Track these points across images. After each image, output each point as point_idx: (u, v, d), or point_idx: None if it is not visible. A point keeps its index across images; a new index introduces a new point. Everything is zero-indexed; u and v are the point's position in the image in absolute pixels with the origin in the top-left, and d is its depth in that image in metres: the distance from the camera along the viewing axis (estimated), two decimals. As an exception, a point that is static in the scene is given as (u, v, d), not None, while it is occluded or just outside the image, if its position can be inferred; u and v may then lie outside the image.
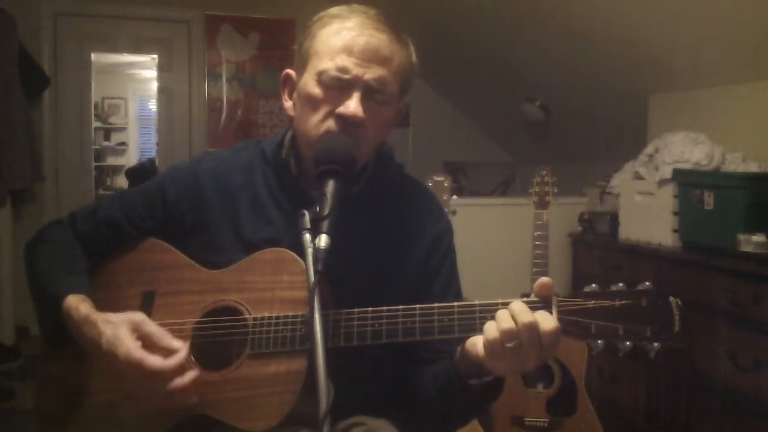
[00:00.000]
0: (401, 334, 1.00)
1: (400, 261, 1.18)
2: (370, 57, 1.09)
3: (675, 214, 2.62)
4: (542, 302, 0.94)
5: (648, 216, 2.75)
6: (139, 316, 1.08)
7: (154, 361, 1.01)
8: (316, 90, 1.11)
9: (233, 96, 4.87)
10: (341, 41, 1.10)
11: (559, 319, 0.92)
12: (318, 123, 1.11)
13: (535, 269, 2.33)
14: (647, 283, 0.92)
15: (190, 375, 1.02)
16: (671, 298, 0.91)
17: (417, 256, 1.19)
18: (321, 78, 1.10)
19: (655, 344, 0.90)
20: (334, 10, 1.15)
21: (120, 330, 1.04)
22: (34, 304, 1.19)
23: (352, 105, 1.08)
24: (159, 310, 1.15)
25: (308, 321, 0.97)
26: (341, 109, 1.09)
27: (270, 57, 4.88)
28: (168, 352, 1.04)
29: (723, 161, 2.61)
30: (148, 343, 1.05)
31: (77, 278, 1.17)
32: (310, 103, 1.12)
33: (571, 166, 3.95)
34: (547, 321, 0.91)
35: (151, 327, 1.06)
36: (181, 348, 1.04)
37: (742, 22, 2.53)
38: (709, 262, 2.33)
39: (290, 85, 1.20)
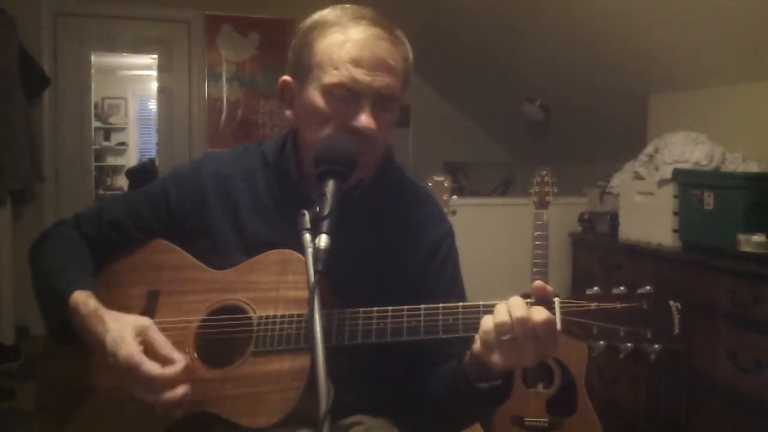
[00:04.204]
0: (406, 332, 1.01)
1: (401, 264, 1.18)
2: (378, 66, 1.08)
3: (675, 214, 2.62)
4: (545, 303, 0.95)
5: (648, 216, 2.75)
6: (146, 321, 1.08)
7: (151, 368, 1.02)
8: (322, 104, 1.09)
9: (233, 96, 4.87)
10: (347, 53, 1.08)
11: (562, 320, 0.93)
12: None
13: (535, 269, 2.33)
14: (648, 287, 0.94)
15: (181, 389, 1.02)
16: (671, 302, 0.93)
17: (417, 259, 1.19)
18: (328, 90, 1.09)
19: (656, 346, 0.92)
20: (329, 15, 1.12)
21: (125, 331, 1.05)
22: (39, 302, 1.18)
23: (364, 118, 1.08)
24: (163, 309, 1.15)
25: (308, 320, 0.97)
26: (354, 123, 1.08)
27: (270, 57, 4.87)
28: (167, 361, 1.04)
29: (723, 161, 2.61)
30: (151, 349, 1.05)
31: (84, 276, 1.17)
32: (318, 117, 1.10)
33: (571, 166, 3.95)
34: (539, 313, 0.92)
35: (156, 335, 1.06)
36: (179, 360, 1.04)
37: (742, 22, 2.53)
38: (709, 262, 2.33)
39: (289, 93, 1.18)
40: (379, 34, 1.10)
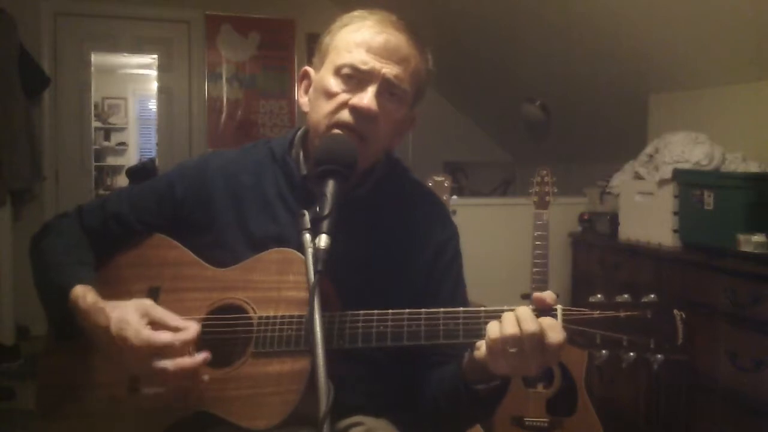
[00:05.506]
0: (406, 337, 1.00)
1: (406, 265, 1.18)
2: (389, 54, 1.12)
3: (675, 214, 2.61)
4: (548, 311, 0.94)
5: (648, 216, 2.75)
6: (147, 302, 1.08)
7: (163, 335, 1.02)
8: (332, 83, 1.13)
9: (233, 96, 4.87)
10: (360, 37, 1.13)
11: (565, 329, 0.93)
12: (330, 114, 1.12)
13: (535, 269, 2.32)
14: (652, 296, 0.94)
15: (202, 355, 1.02)
16: (675, 311, 0.92)
17: (422, 261, 1.19)
18: (338, 71, 1.12)
19: (659, 356, 0.91)
20: (356, 12, 1.17)
21: (128, 313, 1.04)
22: (40, 297, 1.18)
23: (366, 98, 1.10)
24: (163, 306, 1.14)
25: (308, 321, 0.97)
26: (355, 101, 1.10)
27: (270, 57, 4.88)
28: (179, 331, 1.04)
29: (723, 161, 2.61)
30: (158, 327, 1.04)
31: (84, 269, 1.16)
32: (326, 95, 1.14)
33: (571, 166, 3.95)
34: (553, 331, 0.91)
35: (160, 312, 1.06)
36: (192, 326, 1.04)
37: (742, 22, 2.53)
38: (709, 262, 2.33)
39: (307, 81, 1.22)
40: (397, 27, 1.14)
